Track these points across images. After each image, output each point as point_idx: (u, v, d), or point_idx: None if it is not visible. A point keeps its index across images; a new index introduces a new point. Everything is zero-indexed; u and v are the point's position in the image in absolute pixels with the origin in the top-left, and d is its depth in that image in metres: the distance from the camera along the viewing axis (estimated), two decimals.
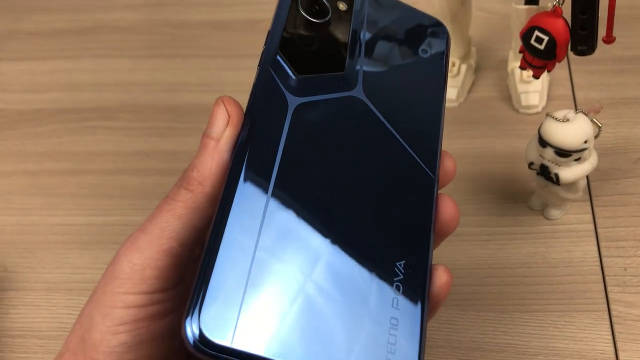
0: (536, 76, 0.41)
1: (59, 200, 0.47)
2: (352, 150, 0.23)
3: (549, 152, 0.37)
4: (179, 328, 0.19)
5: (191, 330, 0.18)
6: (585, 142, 0.36)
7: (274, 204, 0.21)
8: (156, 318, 0.22)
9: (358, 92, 0.24)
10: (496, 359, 0.36)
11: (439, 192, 0.23)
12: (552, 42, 0.38)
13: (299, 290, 0.20)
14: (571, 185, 0.39)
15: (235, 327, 0.18)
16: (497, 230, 0.41)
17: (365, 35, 0.25)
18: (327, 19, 0.25)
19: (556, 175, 0.38)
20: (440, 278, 0.22)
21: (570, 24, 0.38)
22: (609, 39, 0.39)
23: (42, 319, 0.42)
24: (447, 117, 0.47)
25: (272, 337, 0.19)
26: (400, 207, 0.22)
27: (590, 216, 0.41)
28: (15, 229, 0.46)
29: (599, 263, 0.39)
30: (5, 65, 0.57)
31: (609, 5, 0.37)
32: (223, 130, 0.22)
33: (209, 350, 0.18)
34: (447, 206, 0.23)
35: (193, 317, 0.18)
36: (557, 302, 0.38)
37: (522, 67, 0.42)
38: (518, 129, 0.46)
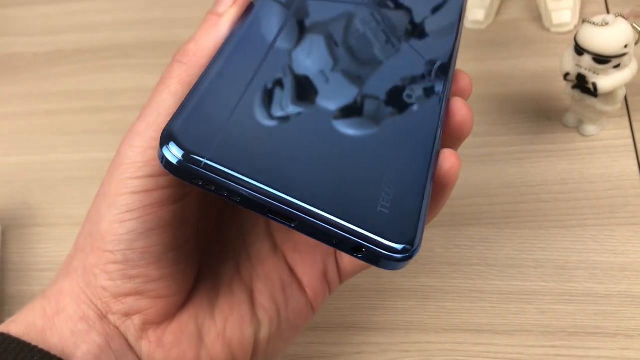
0: None
1: (80, 138, 0.47)
2: (357, 43, 0.23)
3: (587, 60, 0.35)
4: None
5: (167, 138, 0.18)
6: (626, 46, 0.34)
7: (273, 56, 0.21)
8: (164, 204, 0.22)
9: (370, 3, 0.24)
10: (534, 275, 0.35)
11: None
12: None
13: (289, 123, 0.19)
14: (609, 96, 0.37)
15: (215, 142, 0.18)
16: (531, 149, 0.40)
17: None
18: None
19: (594, 84, 0.36)
20: (448, 161, 0.21)
21: None
22: None
23: (68, 252, 0.41)
24: (475, 39, 0.46)
25: (253, 159, 0.18)
26: (409, 99, 0.22)
27: (628, 131, 0.39)
28: (38, 167, 0.46)
29: (639, 176, 0.37)
30: (19, 10, 0.56)
31: None
32: (228, 7, 0.22)
33: (181, 162, 0.18)
34: (460, 108, 0.23)
35: (172, 129, 0.18)
36: (597, 216, 0.36)
37: None
38: (550, 48, 0.44)
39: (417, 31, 0.25)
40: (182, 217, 0.22)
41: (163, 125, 0.20)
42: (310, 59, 0.22)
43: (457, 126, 0.23)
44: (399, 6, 0.25)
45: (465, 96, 0.24)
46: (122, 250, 0.21)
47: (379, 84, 0.22)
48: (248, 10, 0.23)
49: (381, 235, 0.18)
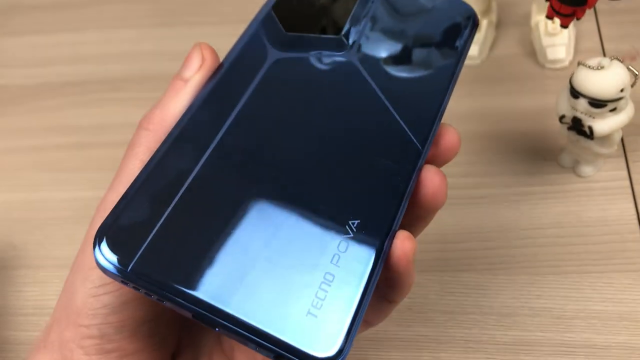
0: (564, 25, 0.39)
1: (67, 175, 0.46)
2: (324, 105, 0.22)
3: (582, 103, 0.34)
4: None
5: (98, 244, 0.18)
6: (622, 90, 0.34)
7: (222, 141, 0.20)
8: None
9: (350, 54, 0.23)
10: (531, 324, 0.34)
11: (433, 165, 0.22)
12: None
13: (223, 228, 0.19)
14: (606, 139, 0.36)
15: (143, 247, 0.18)
16: (526, 190, 0.39)
17: (375, 4, 0.24)
18: None
19: (590, 127, 0.35)
20: (399, 248, 0.19)
21: None
22: None
23: (54, 296, 0.40)
24: (469, 76, 0.45)
25: (179, 265, 0.18)
26: (371, 169, 0.20)
27: (625, 172, 0.39)
28: (24, 205, 0.45)
29: (636, 221, 0.37)
30: (7, 40, 0.55)
31: None
32: (194, 73, 0.22)
33: (108, 266, 0.18)
34: (432, 179, 0.21)
35: (104, 232, 0.18)
36: (594, 262, 0.36)
37: (549, 16, 0.39)
38: (544, 84, 0.44)
39: (399, 81, 0.23)
40: None
41: None
42: (258, 145, 0.20)
43: (427, 199, 0.21)
44: (387, 47, 0.24)
45: (449, 156, 0.22)
46: (97, 325, 0.21)
47: (330, 165, 0.20)
48: (216, 72, 0.22)
49: (304, 344, 0.17)
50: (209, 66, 0.22)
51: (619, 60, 0.34)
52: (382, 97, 0.22)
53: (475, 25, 0.25)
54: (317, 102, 0.22)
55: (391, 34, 0.24)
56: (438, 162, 0.22)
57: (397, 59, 0.23)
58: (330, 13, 0.24)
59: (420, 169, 0.21)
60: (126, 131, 0.48)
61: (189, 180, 0.19)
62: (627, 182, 0.38)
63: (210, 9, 0.54)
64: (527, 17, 0.47)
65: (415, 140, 0.21)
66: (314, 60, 0.22)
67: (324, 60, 0.22)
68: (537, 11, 0.45)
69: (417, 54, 0.24)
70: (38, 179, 0.46)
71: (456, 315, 0.35)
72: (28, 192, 0.45)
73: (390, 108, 0.22)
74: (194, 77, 0.22)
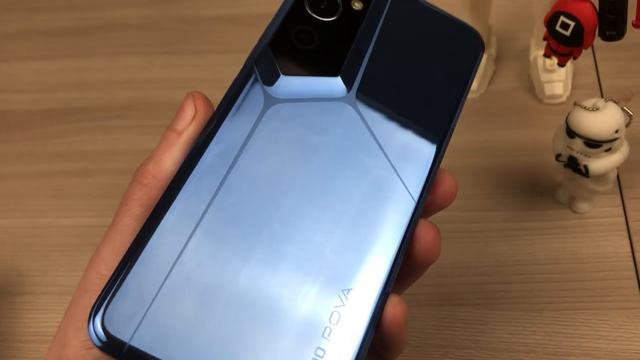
0: (561, 64, 0.40)
1: (71, 202, 0.46)
2: (318, 159, 0.21)
3: (578, 143, 0.35)
4: None
5: (93, 322, 0.18)
6: (617, 131, 0.35)
7: (215, 208, 0.20)
8: None
9: (349, 98, 0.22)
10: None
11: (428, 215, 0.22)
12: (578, 28, 0.37)
13: (216, 301, 0.19)
14: (601, 178, 0.37)
15: (138, 326, 0.18)
16: (523, 226, 0.40)
17: (377, 40, 0.23)
18: (334, 17, 0.23)
19: (585, 167, 0.36)
20: (390, 312, 0.19)
21: (597, 7, 0.36)
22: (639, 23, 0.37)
23: (56, 323, 0.41)
24: (468, 109, 0.46)
25: (173, 343, 0.18)
26: (363, 229, 0.20)
27: (620, 209, 0.39)
28: (28, 231, 0.45)
29: (631, 258, 0.37)
30: (14, 66, 0.56)
31: None
32: (187, 124, 0.21)
33: (106, 345, 0.18)
34: (425, 235, 0.21)
35: (98, 310, 0.18)
36: (589, 299, 0.36)
37: (546, 55, 0.40)
38: (542, 119, 0.44)
39: (398, 127, 0.22)
40: None
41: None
42: (251, 209, 0.20)
43: (420, 255, 0.21)
44: (387, 88, 0.23)
45: (444, 204, 0.22)
46: None
47: (322, 227, 0.20)
48: (210, 122, 0.21)
49: None
50: (201, 117, 0.22)
51: (614, 101, 0.35)
52: (379, 146, 0.21)
53: (479, 57, 0.24)
54: (311, 154, 0.21)
55: (393, 72, 0.23)
56: (432, 209, 0.22)
57: (397, 101, 0.22)
58: (329, 48, 0.23)
59: (414, 226, 0.21)
60: (131, 159, 0.49)
61: (183, 255, 0.19)
62: (623, 219, 0.39)
63: (215, 37, 0.55)
64: (526, 51, 0.48)
65: (411, 196, 0.21)
66: (309, 107, 0.22)
67: (320, 106, 0.22)
68: (535, 46, 0.46)
69: (418, 96, 0.23)
70: (43, 204, 0.47)
71: (452, 349, 0.36)
72: (33, 217, 0.46)
73: (387, 159, 0.21)
74: (187, 129, 0.21)
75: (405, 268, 0.21)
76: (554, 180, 0.41)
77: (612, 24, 0.37)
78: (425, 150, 0.22)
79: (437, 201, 0.22)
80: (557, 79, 0.45)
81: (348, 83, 0.22)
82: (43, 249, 0.44)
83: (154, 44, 0.56)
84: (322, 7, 0.23)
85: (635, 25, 0.37)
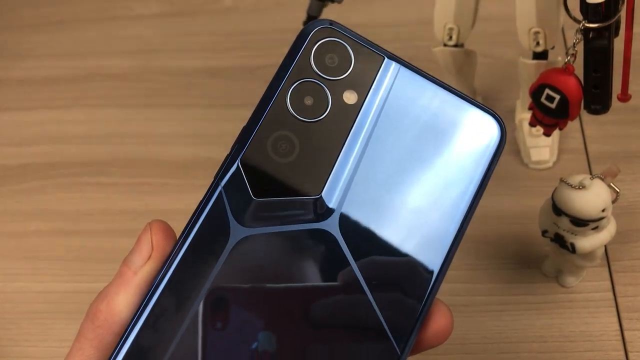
0: (547, 134, 0.39)
1: (45, 265, 0.45)
2: (292, 299, 0.18)
3: (564, 221, 0.34)
4: None
5: None
6: (603, 210, 0.34)
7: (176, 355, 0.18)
8: None
9: (331, 224, 0.19)
10: None
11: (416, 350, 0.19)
12: (564, 101, 0.36)
13: None
14: (588, 254, 0.36)
15: None
16: (510, 300, 0.38)
17: (371, 141, 0.19)
18: (320, 117, 0.20)
19: (572, 245, 0.35)
20: None
21: (582, 81, 0.36)
22: (625, 97, 0.37)
23: None
24: None
25: None
26: None
27: (608, 283, 0.38)
28: (0, 297, 0.44)
29: (620, 337, 0.36)
30: None
31: (624, 60, 0.35)
32: (143, 263, 0.20)
33: None
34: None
35: None
36: None
37: (532, 124, 0.39)
38: (528, 185, 0.44)
39: (384, 259, 0.19)
40: None
41: None
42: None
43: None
44: (375, 212, 0.19)
45: (437, 343, 0.20)
46: None
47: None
48: (172, 256, 0.19)
49: None
50: (158, 256, 0.20)
51: (600, 178, 0.35)
52: (362, 281, 0.19)
53: (498, 147, 0.20)
54: (284, 294, 0.19)
55: (387, 188, 0.19)
56: (422, 347, 0.20)
57: (385, 228, 0.19)
58: (312, 160, 0.19)
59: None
60: (106, 219, 0.48)
61: None
62: (611, 294, 0.38)
63: (198, 91, 0.54)
64: (512, 112, 0.47)
65: (394, 343, 0.19)
66: (284, 237, 0.19)
67: (297, 234, 0.19)
68: (521, 108, 0.46)
69: (416, 219, 0.19)
70: (16, 267, 0.45)
71: None
72: (4, 281, 0.44)
73: (370, 298, 0.19)
74: (143, 268, 0.20)
75: None
76: (541, 250, 0.40)
77: (597, 99, 0.36)
78: (418, 285, 0.19)
79: (427, 339, 0.20)
80: (543, 144, 0.44)
81: (331, 204, 0.19)
82: (14, 316, 0.43)
83: (135, 95, 0.55)
84: (307, 103, 0.20)
85: (620, 99, 0.37)
